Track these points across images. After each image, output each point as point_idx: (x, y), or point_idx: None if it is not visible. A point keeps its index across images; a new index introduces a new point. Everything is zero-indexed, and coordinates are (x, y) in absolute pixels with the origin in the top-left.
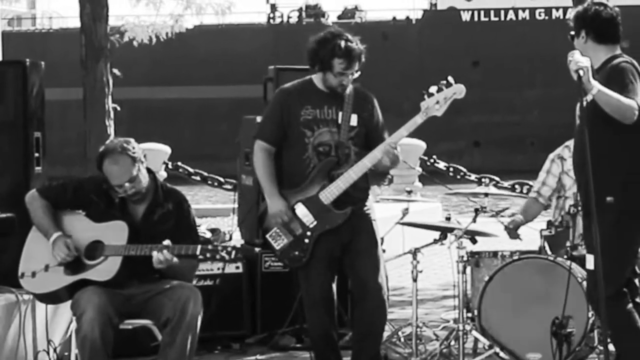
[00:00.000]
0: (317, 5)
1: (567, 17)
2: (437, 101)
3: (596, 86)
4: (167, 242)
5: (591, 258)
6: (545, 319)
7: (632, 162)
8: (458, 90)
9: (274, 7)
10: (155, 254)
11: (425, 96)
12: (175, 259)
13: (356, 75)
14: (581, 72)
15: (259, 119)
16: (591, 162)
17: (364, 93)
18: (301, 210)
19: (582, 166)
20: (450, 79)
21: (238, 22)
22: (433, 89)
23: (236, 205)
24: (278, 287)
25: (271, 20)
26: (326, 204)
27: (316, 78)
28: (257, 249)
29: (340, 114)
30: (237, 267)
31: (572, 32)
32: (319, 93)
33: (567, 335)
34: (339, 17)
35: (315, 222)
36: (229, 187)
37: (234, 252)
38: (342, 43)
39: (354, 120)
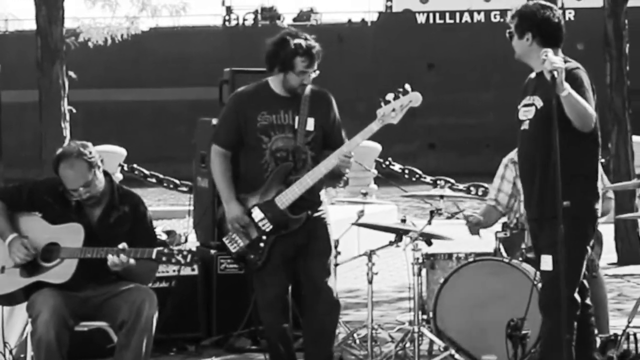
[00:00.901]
0: (273, 8)
1: (508, 14)
2: (393, 109)
3: (567, 88)
4: (122, 245)
5: (549, 258)
6: (500, 321)
7: (587, 167)
8: (414, 98)
9: (229, 10)
10: (110, 257)
11: (382, 103)
12: (131, 261)
13: (315, 74)
14: (555, 74)
15: (214, 121)
16: (545, 168)
17: (321, 93)
18: (257, 214)
19: (531, 171)
20: (407, 86)
21: (193, 24)
22: (390, 96)
23: (192, 208)
24: (233, 289)
25: (227, 23)
26: (282, 208)
27: (273, 81)
28: (212, 251)
29: (296, 118)
30: (193, 270)
31: (512, 31)
32: (275, 97)
33: (522, 337)
34: (295, 20)
35: (271, 227)
36: (184, 189)
37: (189, 256)
38: (303, 42)
39: (310, 124)
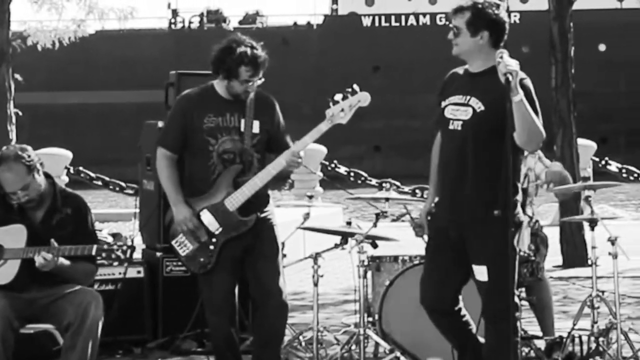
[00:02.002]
0: (219, 11)
1: (453, 8)
2: (342, 109)
3: (521, 94)
4: (52, 241)
5: (484, 269)
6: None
7: (517, 175)
8: (363, 98)
9: (175, 13)
10: (36, 257)
11: (330, 104)
12: (63, 261)
13: (260, 82)
14: (510, 77)
15: (160, 123)
16: (477, 173)
17: (265, 97)
18: (207, 217)
19: (460, 173)
20: (355, 86)
21: (140, 27)
22: (338, 96)
23: (137, 210)
24: (179, 292)
25: (172, 26)
26: (231, 210)
27: (218, 84)
28: (158, 254)
29: (242, 121)
30: (139, 272)
31: (459, 27)
32: (221, 100)
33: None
34: (240, 23)
35: (220, 229)
36: (130, 191)
37: (129, 251)
38: (249, 51)
39: (256, 127)
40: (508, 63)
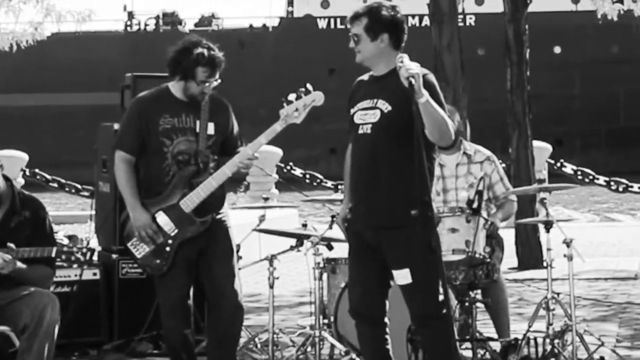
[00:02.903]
0: (174, 13)
1: (350, 16)
2: (296, 108)
3: (426, 95)
4: (10, 244)
5: (407, 272)
6: (401, 326)
7: (431, 175)
8: (317, 98)
9: (131, 15)
10: None
11: (285, 104)
12: (20, 264)
13: (217, 83)
14: (413, 80)
15: (116, 126)
16: (390, 174)
17: (219, 100)
18: (162, 218)
19: (373, 176)
20: (309, 86)
21: (96, 30)
22: (292, 96)
23: (93, 212)
24: (135, 294)
25: (128, 28)
26: (187, 212)
27: (174, 86)
28: (114, 256)
29: (197, 122)
30: (95, 274)
31: (359, 34)
32: (176, 101)
33: (421, 342)
34: (196, 25)
35: (176, 231)
36: (86, 194)
37: (89, 254)
38: (206, 52)
39: (210, 128)
40: (409, 67)
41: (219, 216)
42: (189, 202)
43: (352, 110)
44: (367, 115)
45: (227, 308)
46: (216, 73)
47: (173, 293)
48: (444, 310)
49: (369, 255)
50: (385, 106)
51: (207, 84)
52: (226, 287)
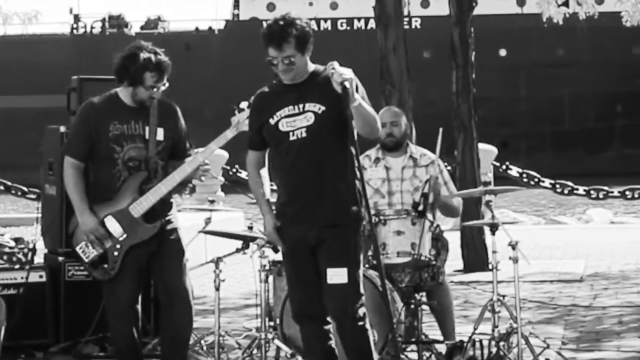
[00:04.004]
0: (120, 16)
1: (282, 38)
2: (247, 116)
3: (358, 98)
4: None
5: (343, 271)
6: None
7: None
8: None
9: (77, 18)
10: None
11: (236, 111)
12: None
13: (165, 87)
14: (347, 84)
15: (62, 128)
16: (333, 173)
17: (167, 104)
18: (111, 223)
19: (318, 178)
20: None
21: (42, 32)
22: (244, 104)
23: (40, 215)
24: (81, 296)
25: (75, 31)
26: (136, 217)
27: (122, 92)
28: (60, 258)
29: (146, 128)
30: (41, 276)
31: (293, 55)
32: (125, 108)
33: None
34: (142, 28)
35: (125, 235)
36: (32, 196)
37: (30, 254)
38: (152, 57)
39: (160, 134)
40: (342, 72)
41: (167, 218)
42: (139, 207)
43: (271, 121)
44: (296, 121)
45: (178, 306)
46: (164, 77)
47: (121, 297)
48: (365, 311)
49: (307, 256)
50: (318, 107)
51: (155, 89)
52: (177, 286)
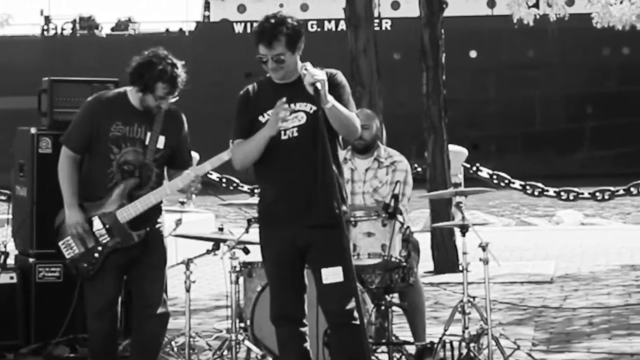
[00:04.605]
0: (91, 18)
1: (273, 36)
2: None
3: (331, 100)
4: None
5: (338, 270)
6: (312, 329)
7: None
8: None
9: (48, 20)
10: None
11: None
12: None
13: (174, 99)
14: (319, 85)
15: (33, 130)
16: (325, 172)
17: (175, 113)
18: (97, 224)
19: (310, 177)
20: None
21: (12, 34)
22: None
23: (10, 216)
24: (52, 298)
25: (45, 33)
26: (122, 222)
27: (131, 94)
28: (31, 260)
29: (149, 134)
30: (11, 278)
31: (282, 54)
32: (132, 110)
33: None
34: (113, 29)
35: (108, 239)
36: (3, 197)
37: (3, 257)
38: (169, 69)
39: (160, 142)
40: (314, 73)
41: (156, 225)
42: (126, 213)
43: (262, 119)
44: (287, 120)
45: (154, 315)
46: (175, 91)
47: (101, 297)
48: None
49: (293, 259)
50: (309, 107)
51: (164, 100)
52: (155, 295)
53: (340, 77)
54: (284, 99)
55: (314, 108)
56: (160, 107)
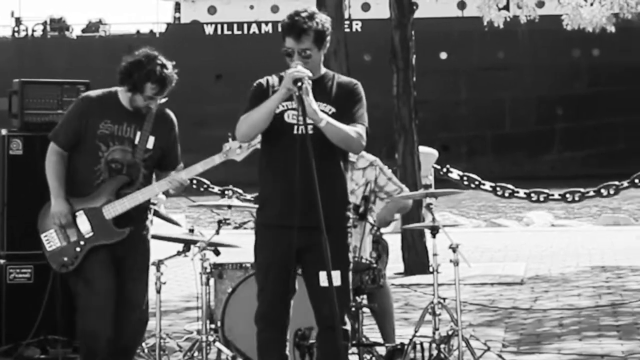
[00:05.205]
0: (62, 19)
1: (302, 30)
2: (239, 146)
3: (324, 118)
4: None
5: (337, 273)
6: (289, 330)
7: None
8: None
9: (18, 21)
10: None
11: (230, 138)
12: None
13: (164, 100)
14: (299, 83)
15: (4, 131)
16: (331, 174)
17: (166, 115)
18: (82, 219)
19: (316, 177)
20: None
21: None
22: None
23: None
24: (23, 299)
25: (16, 34)
26: (107, 218)
27: (122, 93)
28: (1, 261)
29: (138, 134)
30: None
31: (309, 48)
32: (121, 109)
33: (309, 347)
34: (84, 31)
35: (91, 234)
36: None
37: None
38: (158, 69)
39: (150, 142)
40: (303, 70)
41: (141, 229)
42: (112, 209)
43: (277, 109)
44: (302, 115)
45: (134, 319)
46: (165, 91)
47: (100, 295)
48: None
49: (286, 259)
50: (329, 108)
51: (153, 100)
52: (137, 299)
53: (360, 89)
54: (300, 63)
55: (333, 110)
56: (149, 107)
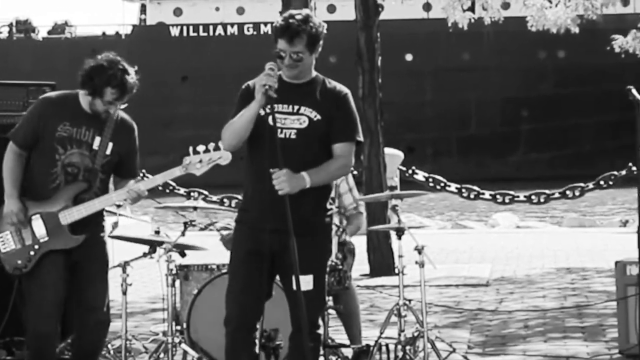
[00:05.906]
0: (28, 21)
1: (295, 33)
2: (200, 160)
3: (305, 177)
4: None
5: (309, 278)
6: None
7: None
8: (224, 156)
9: None
10: None
11: (191, 152)
12: None
13: (123, 106)
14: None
15: None
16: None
17: (126, 122)
18: (37, 223)
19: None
20: (220, 144)
21: None
22: (201, 147)
23: None
24: None
25: None
26: (63, 224)
27: (82, 96)
28: None
29: (97, 139)
30: None
31: (301, 52)
32: (81, 112)
33: (274, 348)
34: (49, 33)
35: (46, 239)
36: None
37: None
38: (119, 74)
39: (109, 148)
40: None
41: (98, 235)
42: (68, 215)
43: (262, 112)
44: (287, 119)
45: (94, 322)
46: (125, 97)
47: (49, 298)
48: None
49: (263, 264)
50: (314, 114)
51: (113, 105)
52: (96, 302)
53: (349, 99)
54: (271, 63)
55: (318, 117)
56: (108, 112)
